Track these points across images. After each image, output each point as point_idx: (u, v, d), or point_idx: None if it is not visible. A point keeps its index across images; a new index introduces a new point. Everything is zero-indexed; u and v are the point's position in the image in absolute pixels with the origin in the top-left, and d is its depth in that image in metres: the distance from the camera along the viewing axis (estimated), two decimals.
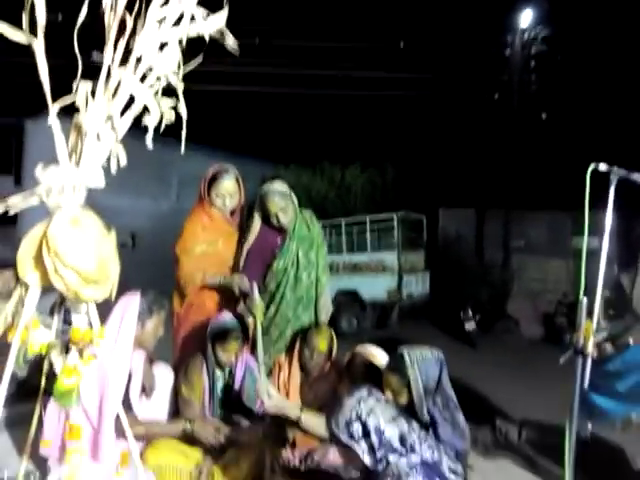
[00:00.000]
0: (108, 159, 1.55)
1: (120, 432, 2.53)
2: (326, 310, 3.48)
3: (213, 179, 3.36)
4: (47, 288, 1.52)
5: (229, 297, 3.32)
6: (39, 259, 1.37)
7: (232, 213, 3.51)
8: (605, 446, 3.29)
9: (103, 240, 1.43)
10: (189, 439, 2.67)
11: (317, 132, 18.65)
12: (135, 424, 2.54)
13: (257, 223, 3.40)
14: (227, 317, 2.93)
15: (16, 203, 1.44)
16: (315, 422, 2.35)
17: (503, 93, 13.56)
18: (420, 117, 16.42)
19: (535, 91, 13.57)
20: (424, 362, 2.29)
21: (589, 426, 3.30)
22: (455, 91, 14.92)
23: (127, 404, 2.47)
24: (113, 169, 1.55)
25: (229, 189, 3.37)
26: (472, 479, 2.34)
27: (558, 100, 13.83)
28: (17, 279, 1.51)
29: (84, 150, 1.50)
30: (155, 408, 2.85)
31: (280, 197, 3.29)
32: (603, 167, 2.50)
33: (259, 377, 2.67)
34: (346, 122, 18.66)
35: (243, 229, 3.48)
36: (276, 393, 2.55)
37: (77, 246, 1.35)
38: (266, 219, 3.37)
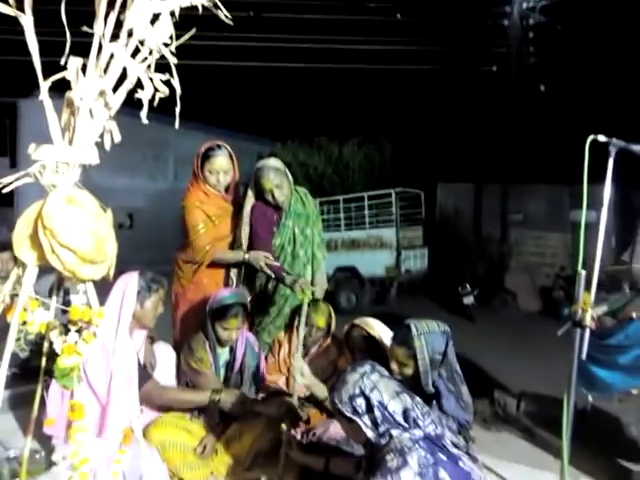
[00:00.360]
0: (102, 136, 1.53)
1: (148, 404, 2.59)
2: (321, 286, 3.49)
3: (206, 156, 3.33)
4: (45, 268, 1.52)
5: (227, 275, 3.32)
6: (35, 238, 1.36)
7: (227, 190, 3.49)
8: (601, 416, 3.33)
9: (99, 218, 1.42)
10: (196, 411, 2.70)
11: (314, 108, 18.49)
12: (163, 391, 2.58)
13: (250, 200, 3.38)
14: (226, 294, 2.94)
15: (9, 179, 1.42)
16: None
17: (501, 65, 13.39)
18: (417, 91, 16.26)
19: (534, 63, 13.40)
20: (430, 334, 2.30)
21: (589, 398, 3.35)
22: (453, 63, 14.74)
23: (144, 374, 2.50)
24: (107, 146, 1.53)
25: (222, 165, 3.34)
26: (471, 450, 2.37)
27: (557, 72, 13.67)
28: (15, 260, 1.50)
29: (77, 127, 1.47)
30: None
31: (275, 174, 3.26)
32: (602, 138, 2.49)
33: (297, 353, 2.69)
34: (343, 98, 18.49)
35: (239, 206, 3.46)
36: (309, 372, 2.59)
37: (73, 225, 1.34)
38: (261, 196, 3.35)
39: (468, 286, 8.64)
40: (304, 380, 2.53)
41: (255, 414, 2.69)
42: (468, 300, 8.52)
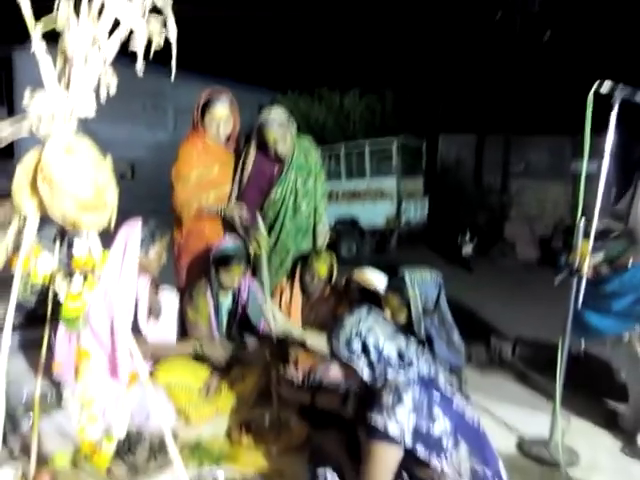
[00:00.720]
0: (98, 86, 1.51)
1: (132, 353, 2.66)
2: (323, 237, 3.52)
3: (206, 104, 3.29)
4: (48, 218, 1.53)
5: (227, 223, 3.35)
6: (35, 187, 1.36)
7: (227, 140, 3.46)
8: (593, 361, 3.43)
9: (99, 166, 1.42)
10: (198, 358, 2.80)
11: (315, 58, 17.99)
12: (146, 346, 2.65)
13: (253, 151, 3.36)
14: (229, 242, 2.99)
15: (5, 132, 1.41)
16: (316, 342, 2.49)
17: (505, 13, 12.93)
18: (420, 40, 15.76)
19: (539, 10, 12.93)
20: (423, 283, 2.38)
21: (582, 343, 3.44)
22: (456, 11, 14.25)
23: (136, 328, 2.57)
24: (103, 96, 1.51)
25: (223, 114, 3.30)
26: (467, 392, 2.47)
27: (562, 20, 13.20)
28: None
29: (72, 76, 1.45)
30: (163, 330, 2.97)
31: (279, 126, 3.23)
32: (606, 88, 2.44)
33: (265, 301, 2.76)
34: (345, 47, 17.94)
35: (239, 156, 3.44)
36: (281, 316, 2.67)
37: (72, 173, 1.34)
38: (262, 147, 3.33)
39: (467, 236, 8.67)
40: (277, 324, 2.61)
41: (244, 360, 2.80)
42: (467, 250, 8.57)
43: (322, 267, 3.23)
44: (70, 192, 1.33)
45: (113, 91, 1.49)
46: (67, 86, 1.46)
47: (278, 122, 3.22)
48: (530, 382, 3.37)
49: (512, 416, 2.84)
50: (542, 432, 2.58)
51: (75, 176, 1.34)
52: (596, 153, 2.54)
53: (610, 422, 2.80)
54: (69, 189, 1.33)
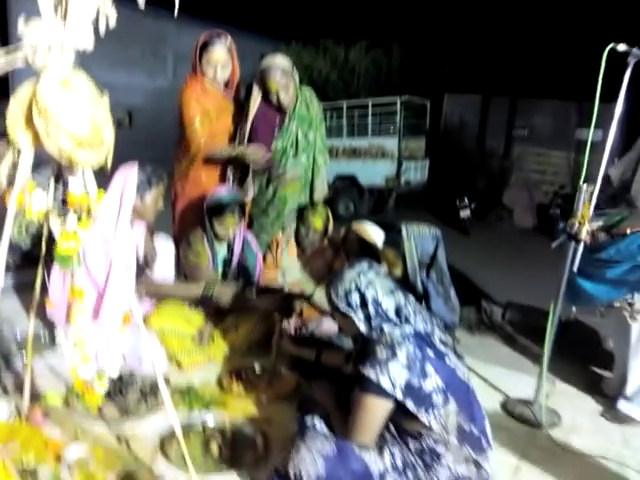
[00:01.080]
0: (97, 21, 1.44)
1: (140, 294, 2.66)
2: (321, 191, 3.48)
3: (204, 47, 3.19)
4: (44, 160, 1.50)
5: (224, 171, 3.31)
6: (30, 120, 1.32)
7: (227, 86, 3.37)
8: (582, 329, 3.47)
9: (96, 103, 1.37)
10: (201, 302, 2.81)
11: (320, 7, 17.39)
12: (157, 287, 2.66)
13: (257, 99, 3.27)
14: (223, 192, 2.96)
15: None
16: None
17: None
18: None
19: None
20: (420, 236, 2.39)
21: (573, 310, 3.48)
22: None
23: (140, 269, 2.57)
24: (102, 30, 1.45)
25: (220, 58, 3.21)
26: (460, 352, 2.50)
27: None
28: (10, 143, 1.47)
29: (70, 6, 1.39)
30: (158, 277, 2.97)
31: (282, 74, 3.14)
32: (622, 47, 2.37)
33: (283, 254, 2.74)
34: None
35: (240, 104, 3.37)
36: (294, 267, 2.66)
37: (69, 107, 1.30)
38: (265, 96, 3.25)
39: (466, 200, 8.64)
40: (289, 277, 2.61)
41: (250, 307, 2.80)
42: (464, 213, 8.55)
43: (317, 220, 3.21)
44: (66, 127, 1.29)
45: (113, 24, 1.42)
46: (64, 16, 1.39)
47: (281, 69, 3.13)
48: (518, 345, 3.42)
49: (499, 377, 2.89)
50: (527, 393, 2.63)
51: (71, 111, 1.30)
52: (603, 122, 2.50)
53: (593, 387, 2.85)
54: (65, 124, 1.29)
